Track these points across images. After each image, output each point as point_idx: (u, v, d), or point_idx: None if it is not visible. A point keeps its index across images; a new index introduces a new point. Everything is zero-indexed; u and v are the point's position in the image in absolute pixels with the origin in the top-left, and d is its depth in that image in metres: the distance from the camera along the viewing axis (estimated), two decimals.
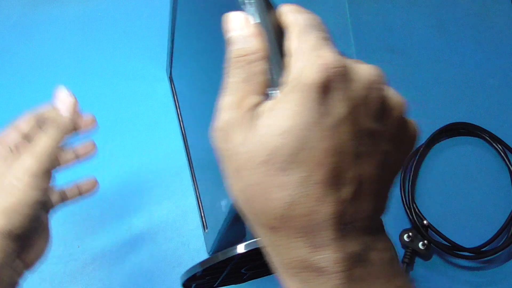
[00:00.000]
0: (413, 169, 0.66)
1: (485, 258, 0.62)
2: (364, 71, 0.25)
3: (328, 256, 0.24)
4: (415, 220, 0.62)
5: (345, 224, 0.24)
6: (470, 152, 0.69)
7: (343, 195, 0.24)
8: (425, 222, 0.62)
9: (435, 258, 0.63)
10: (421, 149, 0.67)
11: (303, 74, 0.24)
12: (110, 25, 0.77)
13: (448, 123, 0.69)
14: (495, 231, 0.63)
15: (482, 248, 0.62)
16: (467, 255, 0.61)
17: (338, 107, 0.24)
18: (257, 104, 0.25)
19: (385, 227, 0.28)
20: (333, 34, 0.26)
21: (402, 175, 0.66)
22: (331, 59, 0.24)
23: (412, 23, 0.78)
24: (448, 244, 0.62)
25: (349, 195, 0.24)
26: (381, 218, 0.27)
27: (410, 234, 0.62)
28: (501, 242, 0.63)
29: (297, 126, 0.23)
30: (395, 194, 0.65)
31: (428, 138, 0.68)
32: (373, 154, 0.25)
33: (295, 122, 0.23)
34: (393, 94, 0.27)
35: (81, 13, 0.78)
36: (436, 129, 0.68)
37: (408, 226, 0.63)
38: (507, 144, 0.68)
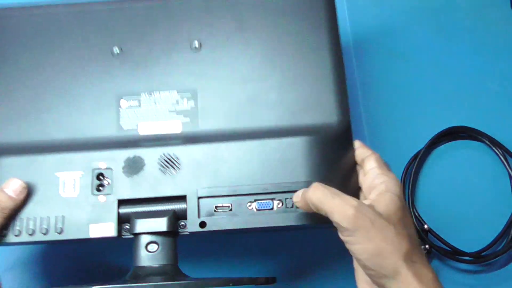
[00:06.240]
0: (413, 173, 0.66)
1: (486, 262, 0.62)
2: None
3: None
4: (415, 225, 0.62)
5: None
6: (470, 156, 0.69)
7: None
8: (425, 226, 0.62)
9: (435, 262, 0.63)
10: (421, 153, 0.67)
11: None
12: None
13: (447, 127, 0.69)
14: (495, 235, 0.63)
15: (482, 252, 0.62)
16: (467, 260, 0.61)
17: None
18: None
19: None
20: None
21: (402, 179, 0.66)
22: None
23: (412, 27, 0.78)
24: (448, 248, 0.62)
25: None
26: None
27: None
28: (501, 246, 0.63)
29: None
30: None
31: (428, 142, 0.68)
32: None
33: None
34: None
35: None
36: (436, 133, 0.68)
37: None
38: (507, 148, 0.68)
